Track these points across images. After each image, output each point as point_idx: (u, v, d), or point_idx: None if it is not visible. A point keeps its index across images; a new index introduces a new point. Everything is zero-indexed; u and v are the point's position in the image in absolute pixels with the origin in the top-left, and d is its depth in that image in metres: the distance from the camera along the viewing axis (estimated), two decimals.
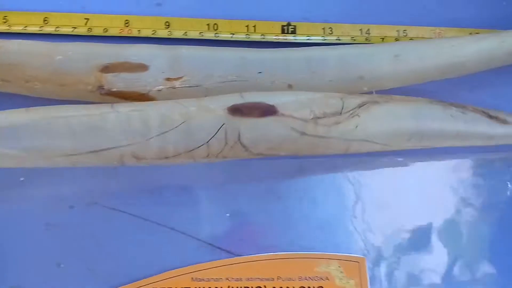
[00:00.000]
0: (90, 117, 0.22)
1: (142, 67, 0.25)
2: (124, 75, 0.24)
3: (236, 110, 0.22)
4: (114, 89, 0.25)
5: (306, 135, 0.23)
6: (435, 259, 0.25)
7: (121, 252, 0.24)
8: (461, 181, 0.27)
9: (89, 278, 0.23)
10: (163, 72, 0.25)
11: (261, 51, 0.26)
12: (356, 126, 0.23)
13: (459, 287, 0.24)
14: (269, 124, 0.22)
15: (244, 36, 0.30)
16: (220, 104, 0.23)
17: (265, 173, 0.26)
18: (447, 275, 0.24)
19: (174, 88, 0.25)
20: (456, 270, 0.24)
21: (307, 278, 0.23)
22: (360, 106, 0.24)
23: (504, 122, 0.25)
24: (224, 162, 0.24)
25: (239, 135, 0.22)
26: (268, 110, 0.22)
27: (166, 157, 0.23)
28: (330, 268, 0.24)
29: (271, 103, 0.23)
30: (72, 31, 0.29)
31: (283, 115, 0.22)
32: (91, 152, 0.22)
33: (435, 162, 0.27)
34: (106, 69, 0.24)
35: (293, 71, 0.25)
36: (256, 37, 0.30)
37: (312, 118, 0.23)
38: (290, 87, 0.25)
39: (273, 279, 0.23)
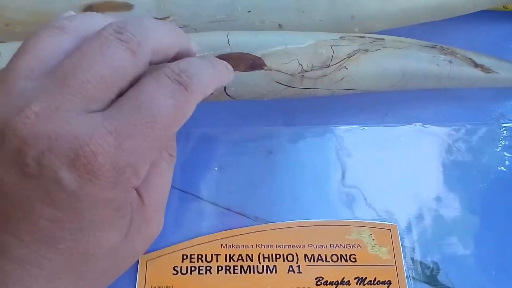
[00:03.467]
0: None
1: (127, 6, 0.24)
2: (109, 14, 0.24)
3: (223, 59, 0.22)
4: None
5: (291, 88, 0.23)
6: (461, 222, 0.24)
7: None
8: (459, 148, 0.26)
9: None
10: (148, 12, 0.24)
11: None
12: (342, 78, 0.23)
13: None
14: (255, 77, 0.22)
15: None
16: (205, 49, 0.22)
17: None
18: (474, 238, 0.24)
19: None
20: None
21: (339, 245, 0.23)
22: (350, 56, 0.23)
23: (488, 70, 0.26)
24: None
25: (224, 87, 0.22)
26: (255, 64, 0.22)
27: None
28: (362, 236, 0.23)
29: (258, 54, 0.22)
30: None
31: (270, 69, 0.22)
32: None
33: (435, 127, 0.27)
34: (89, 8, 0.24)
35: (283, 11, 0.25)
36: None
37: (299, 73, 0.22)
38: (280, 27, 0.25)
39: (304, 246, 0.22)
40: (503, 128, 0.27)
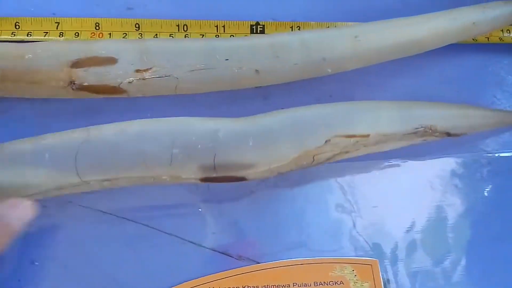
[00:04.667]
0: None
1: (111, 60, 0.25)
2: (94, 69, 0.25)
3: (208, 181, 0.23)
4: (86, 84, 0.25)
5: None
6: (444, 254, 0.25)
7: (110, 259, 0.24)
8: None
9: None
10: (132, 64, 0.25)
11: (227, 40, 0.27)
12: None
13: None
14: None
15: (214, 37, 0.31)
16: (191, 175, 0.23)
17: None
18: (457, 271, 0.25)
19: (144, 79, 0.26)
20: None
21: (322, 283, 0.24)
22: (329, 159, 0.25)
23: (459, 135, 0.27)
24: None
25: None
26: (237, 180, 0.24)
27: None
28: (344, 272, 0.24)
29: (242, 174, 0.23)
30: (44, 36, 0.30)
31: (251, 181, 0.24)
32: None
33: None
34: (76, 64, 0.25)
35: (259, 57, 0.26)
36: (225, 37, 0.31)
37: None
38: (257, 72, 0.26)
39: (289, 286, 0.24)
40: (483, 159, 0.27)
